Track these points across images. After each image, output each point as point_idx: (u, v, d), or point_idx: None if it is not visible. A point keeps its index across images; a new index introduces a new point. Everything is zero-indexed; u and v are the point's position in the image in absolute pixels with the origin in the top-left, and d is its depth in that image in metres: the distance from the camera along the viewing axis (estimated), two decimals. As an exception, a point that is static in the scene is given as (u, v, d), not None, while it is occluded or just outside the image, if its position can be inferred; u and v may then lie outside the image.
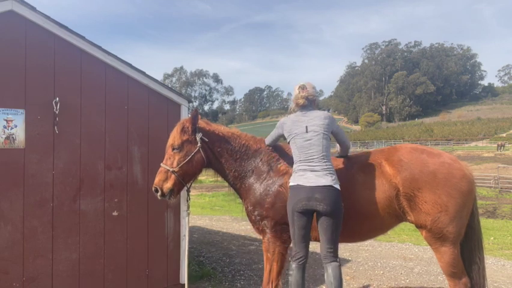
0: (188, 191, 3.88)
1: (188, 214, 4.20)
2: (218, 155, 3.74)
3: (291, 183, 3.33)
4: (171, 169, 3.57)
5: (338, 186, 3.24)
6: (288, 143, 3.52)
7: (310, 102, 3.49)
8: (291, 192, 3.31)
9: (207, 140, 3.69)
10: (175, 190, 3.62)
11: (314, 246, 5.63)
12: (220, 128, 3.87)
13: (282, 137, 3.62)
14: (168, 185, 3.57)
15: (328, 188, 3.18)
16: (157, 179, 3.60)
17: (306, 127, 3.35)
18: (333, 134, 3.52)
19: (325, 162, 3.30)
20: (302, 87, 3.49)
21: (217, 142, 3.74)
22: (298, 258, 3.31)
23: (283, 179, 3.57)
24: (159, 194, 3.59)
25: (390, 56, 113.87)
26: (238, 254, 7.41)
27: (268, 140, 3.78)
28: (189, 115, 3.81)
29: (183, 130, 3.66)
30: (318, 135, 3.32)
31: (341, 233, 3.33)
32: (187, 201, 4.06)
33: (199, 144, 3.63)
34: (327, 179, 3.21)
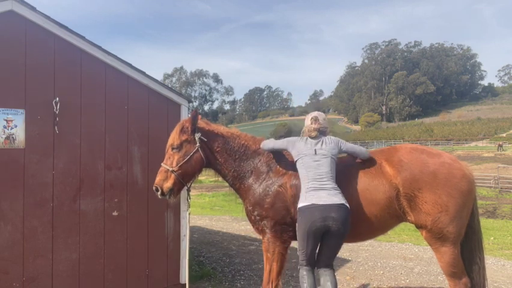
0: (188, 190, 3.89)
1: (189, 214, 4.20)
2: (217, 155, 3.75)
3: (302, 204, 3.30)
4: (171, 169, 3.60)
5: (348, 205, 3.28)
6: (296, 162, 3.52)
7: (321, 133, 3.59)
8: (304, 213, 3.27)
9: (205, 140, 3.70)
10: (175, 190, 3.64)
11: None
12: (219, 128, 3.88)
13: (283, 150, 3.67)
14: (168, 185, 3.59)
15: (341, 206, 3.24)
16: (158, 178, 3.63)
17: (315, 150, 3.45)
18: (346, 151, 3.58)
19: (333, 182, 3.36)
20: (315, 119, 3.61)
21: (216, 142, 3.75)
22: (308, 266, 3.40)
23: (283, 179, 3.58)
24: (159, 193, 3.63)
25: (390, 56, 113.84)
26: (238, 254, 7.41)
27: (268, 144, 3.72)
28: (189, 115, 3.82)
29: (182, 130, 3.69)
30: (326, 158, 3.42)
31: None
32: (188, 200, 4.06)
33: (197, 144, 3.65)
34: (339, 197, 3.27)
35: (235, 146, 3.77)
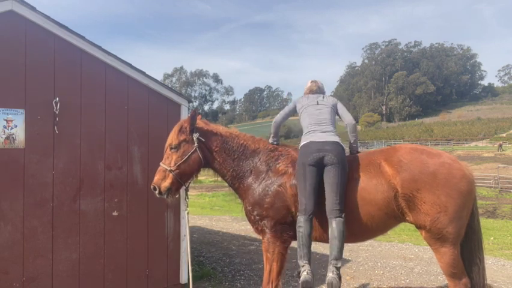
0: (186, 190, 3.90)
1: (188, 213, 4.20)
2: (216, 155, 3.76)
3: (302, 143, 3.59)
4: (169, 168, 3.61)
5: (343, 145, 3.55)
6: (300, 115, 3.84)
7: (320, 91, 4.00)
8: (302, 150, 3.54)
9: (203, 140, 3.71)
10: (173, 189, 3.66)
11: (314, 247, 5.62)
12: (218, 128, 3.89)
13: (293, 112, 3.97)
14: (166, 184, 3.61)
15: (336, 143, 3.51)
16: (156, 177, 3.65)
17: (317, 101, 3.83)
18: (338, 110, 3.87)
19: (333, 127, 3.66)
20: (314, 81, 4.06)
21: (214, 142, 3.76)
22: (307, 212, 3.37)
23: (282, 179, 3.58)
24: (157, 192, 3.65)
25: (390, 56, 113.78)
26: (238, 254, 7.42)
27: (280, 115, 3.97)
28: (189, 115, 3.83)
29: (181, 130, 3.71)
30: (327, 107, 3.79)
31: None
32: (186, 200, 4.07)
33: (195, 144, 3.67)
34: (335, 138, 3.56)
35: (234, 145, 3.78)
